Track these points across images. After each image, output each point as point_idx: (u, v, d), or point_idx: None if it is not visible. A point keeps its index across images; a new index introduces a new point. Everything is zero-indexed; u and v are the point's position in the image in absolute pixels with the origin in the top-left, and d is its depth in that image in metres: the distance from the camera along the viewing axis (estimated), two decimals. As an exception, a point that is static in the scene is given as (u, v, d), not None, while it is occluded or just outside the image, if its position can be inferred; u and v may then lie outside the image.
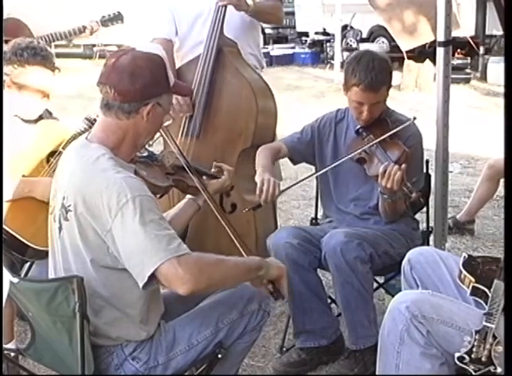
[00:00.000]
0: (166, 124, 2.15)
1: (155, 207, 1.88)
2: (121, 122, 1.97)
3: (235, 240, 2.26)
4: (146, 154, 2.26)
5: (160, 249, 1.81)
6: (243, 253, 2.22)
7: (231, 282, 2.05)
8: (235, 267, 1.98)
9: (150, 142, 2.33)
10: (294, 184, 2.92)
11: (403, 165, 2.59)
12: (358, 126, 2.88)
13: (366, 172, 2.82)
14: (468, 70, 11.60)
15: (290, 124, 5.25)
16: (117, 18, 4.24)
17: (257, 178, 2.74)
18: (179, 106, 3.24)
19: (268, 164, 2.87)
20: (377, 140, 2.75)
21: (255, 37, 3.60)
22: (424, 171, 3.01)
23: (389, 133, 2.76)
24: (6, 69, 2.65)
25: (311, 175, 2.96)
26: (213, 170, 2.50)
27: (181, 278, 1.80)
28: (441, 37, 3.10)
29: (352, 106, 2.83)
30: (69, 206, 1.92)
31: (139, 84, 1.92)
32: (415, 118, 2.81)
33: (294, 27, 15.65)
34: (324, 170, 2.88)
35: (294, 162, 3.09)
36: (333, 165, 2.83)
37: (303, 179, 2.96)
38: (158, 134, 2.45)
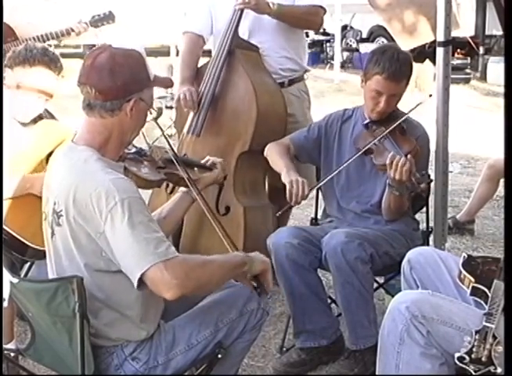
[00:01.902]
0: (149, 119, 2.13)
1: (144, 209, 1.88)
2: (106, 121, 1.95)
3: (220, 234, 2.25)
4: (134, 151, 2.25)
5: (147, 253, 1.80)
6: (229, 248, 2.23)
7: (217, 282, 2.05)
8: (220, 267, 1.99)
9: (150, 142, 2.33)
10: (317, 185, 2.95)
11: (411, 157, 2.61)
12: (368, 120, 2.89)
13: (373, 161, 2.80)
14: (468, 70, 11.58)
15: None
16: (108, 18, 4.06)
17: (285, 180, 2.74)
18: (185, 101, 3.25)
19: (289, 162, 2.88)
20: (391, 128, 2.77)
21: (292, 40, 3.43)
22: (425, 171, 3.02)
23: (404, 117, 2.80)
24: (16, 69, 2.66)
25: (329, 175, 2.89)
26: (203, 161, 2.51)
27: (167, 283, 1.81)
28: (441, 37, 3.10)
29: (369, 97, 2.83)
30: (60, 211, 1.91)
31: (120, 81, 1.91)
32: (430, 95, 2.87)
33: (294, 27, 15.61)
34: (339, 169, 2.85)
35: (300, 161, 3.07)
36: (346, 163, 2.82)
37: (323, 180, 2.93)
38: (158, 134, 2.45)
